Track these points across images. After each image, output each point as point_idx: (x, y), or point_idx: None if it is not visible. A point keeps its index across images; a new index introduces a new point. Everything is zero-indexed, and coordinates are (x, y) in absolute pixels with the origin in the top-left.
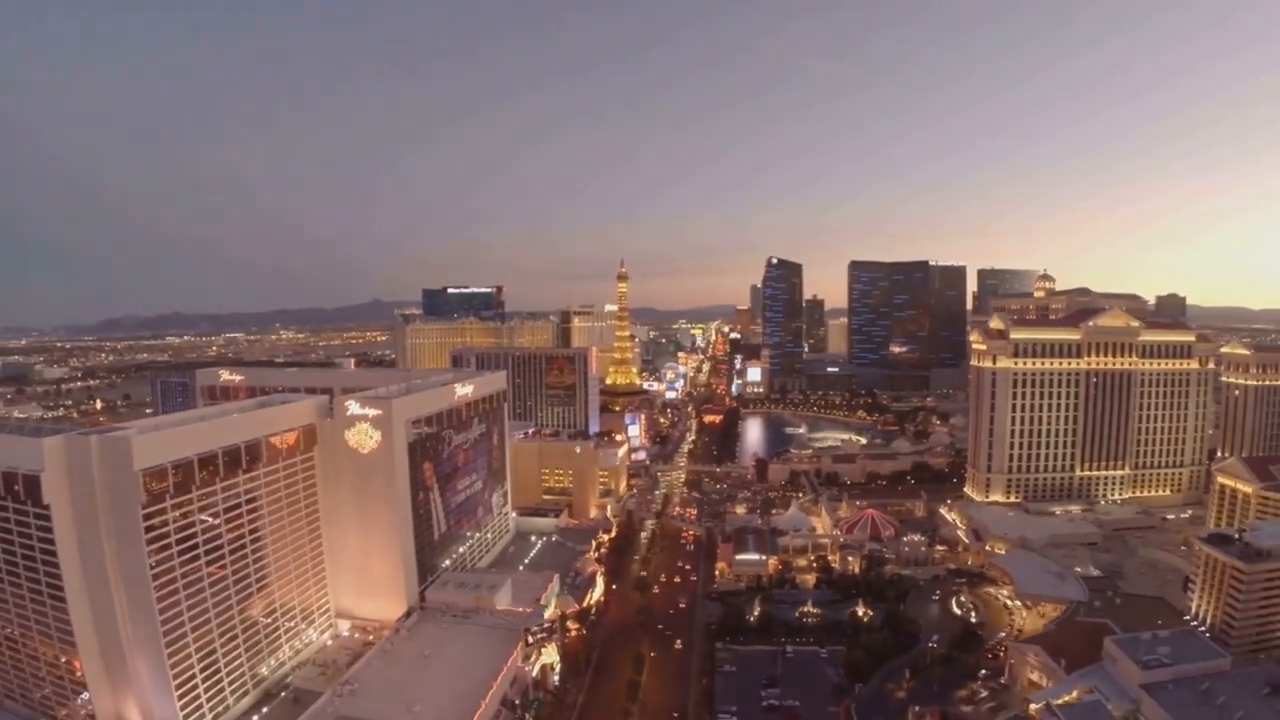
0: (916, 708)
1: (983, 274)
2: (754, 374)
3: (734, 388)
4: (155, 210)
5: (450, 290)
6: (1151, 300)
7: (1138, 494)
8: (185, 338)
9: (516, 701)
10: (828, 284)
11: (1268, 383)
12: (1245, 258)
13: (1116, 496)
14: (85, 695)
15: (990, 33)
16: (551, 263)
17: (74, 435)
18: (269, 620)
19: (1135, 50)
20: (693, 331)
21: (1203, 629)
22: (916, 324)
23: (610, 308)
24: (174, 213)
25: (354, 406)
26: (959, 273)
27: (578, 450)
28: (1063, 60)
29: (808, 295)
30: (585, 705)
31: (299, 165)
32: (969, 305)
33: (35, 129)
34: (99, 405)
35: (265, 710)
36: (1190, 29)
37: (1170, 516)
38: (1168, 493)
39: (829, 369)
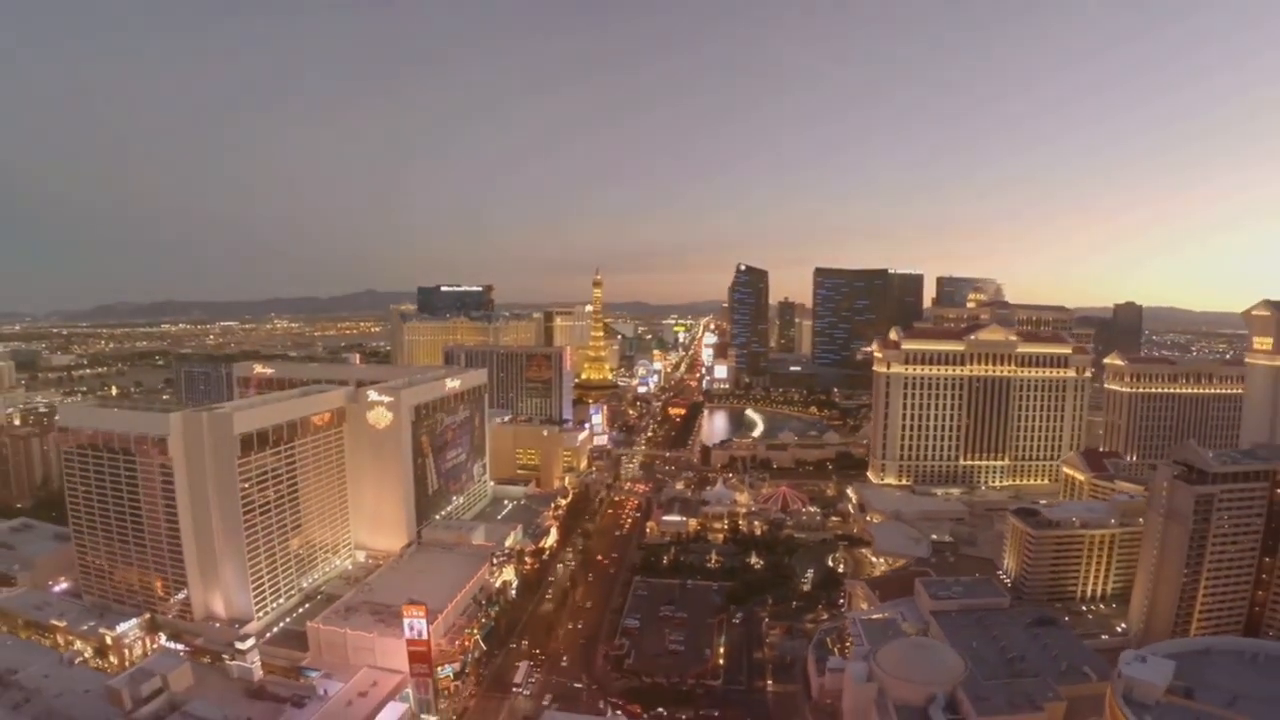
0: (768, 620)
1: (941, 281)
2: (720, 371)
3: (704, 384)
4: (148, 196)
5: (443, 289)
6: (1110, 307)
7: (1017, 482)
8: (181, 325)
9: (483, 602)
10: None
11: (1141, 390)
12: (1241, 264)
13: (997, 483)
14: (181, 595)
15: (993, 39)
16: (555, 252)
17: (189, 412)
18: (310, 546)
19: (1137, 59)
20: (675, 329)
21: (1008, 581)
22: (875, 327)
23: (589, 308)
24: (167, 199)
25: (373, 395)
26: (917, 280)
27: (545, 433)
28: (1067, 68)
29: (784, 298)
30: (533, 610)
31: (297, 156)
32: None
33: (28, 115)
34: (114, 392)
35: (307, 606)
36: (1193, 41)
37: (1044, 501)
38: (1045, 482)
39: (793, 368)
